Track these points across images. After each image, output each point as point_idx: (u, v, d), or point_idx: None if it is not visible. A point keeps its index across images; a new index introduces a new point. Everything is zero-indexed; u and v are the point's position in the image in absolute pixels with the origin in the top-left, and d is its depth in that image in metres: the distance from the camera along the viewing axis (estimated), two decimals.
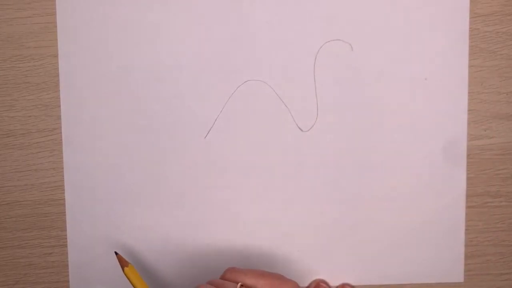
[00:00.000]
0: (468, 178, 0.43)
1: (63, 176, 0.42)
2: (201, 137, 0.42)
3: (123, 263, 0.40)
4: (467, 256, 0.43)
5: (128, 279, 0.39)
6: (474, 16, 0.42)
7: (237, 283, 0.36)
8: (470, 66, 0.42)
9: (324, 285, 0.43)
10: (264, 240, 0.43)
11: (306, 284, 0.43)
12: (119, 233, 0.43)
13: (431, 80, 0.42)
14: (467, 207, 0.43)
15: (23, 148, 0.42)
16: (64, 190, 0.43)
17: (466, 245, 0.43)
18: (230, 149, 0.42)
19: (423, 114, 0.42)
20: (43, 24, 0.41)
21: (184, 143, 0.42)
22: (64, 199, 0.43)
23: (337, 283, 0.43)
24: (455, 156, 0.42)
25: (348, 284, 0.43)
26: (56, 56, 0.42)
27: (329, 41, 0.42)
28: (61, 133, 0.42)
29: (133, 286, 0.39)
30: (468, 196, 0.43)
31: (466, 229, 0.43)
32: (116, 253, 0.40)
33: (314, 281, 0.43)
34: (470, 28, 0.42)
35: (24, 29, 0.41)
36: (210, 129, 0.42)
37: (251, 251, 0.43)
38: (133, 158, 0.42)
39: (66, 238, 0.43)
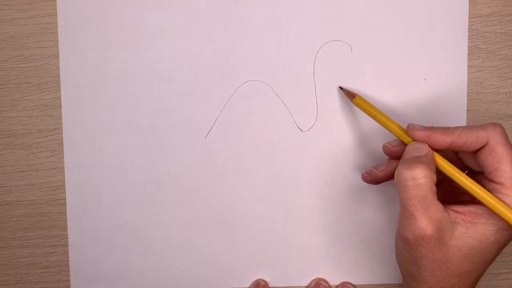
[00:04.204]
0: None
1: (64, 176, 0.43)
2: (201, 137, 0.42)
3: (350, 95, 0.40)
4: None
5: (360, 108, 0.40)
6: (473, 16, 0.42)
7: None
8: (469, 67, 0.42)
9: (324, 283, 0.43)
10: (264, 240, 0.43)
11: (306, 284, 0.44)
12: (119, 233, 0.43)
13: (430, 80, 0.42)
14: None
15: (24, 148, 0.42)
16: (65, 190, 0.43)
17: None
18: (230, 149, 0.42)
19: (422, 115, 0.42)
20: (44, 25, 0.42)
21: (184, 143, 0.42)
22: (65, 198, 0.43)
23: (337, 283, 0.43)
24: None
25: (348, 283, 0.43)
26: (57, 56, 0.42)
27: (328, 42, 0.42)
28: (62, 133, 0.42)
29: (366, 113, 0.39)
30: None
31: None
32: (340, 88, 0.41)
33: (314, 280, 0.43)
34: (469, 28, 0.42)
35: (25, 30, 0.42)
36: (210, 129, 0.42)
37: (251, 251, 0.43)
38: (134, 158, 0.42)
39: (67, 238, 0.43)
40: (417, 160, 0.34)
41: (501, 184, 0.34)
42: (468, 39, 0.42)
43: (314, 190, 0.43)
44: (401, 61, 0.42)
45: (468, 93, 0.42)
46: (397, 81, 0.42)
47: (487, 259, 0.35)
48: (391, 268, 0.44)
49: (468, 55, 0.42)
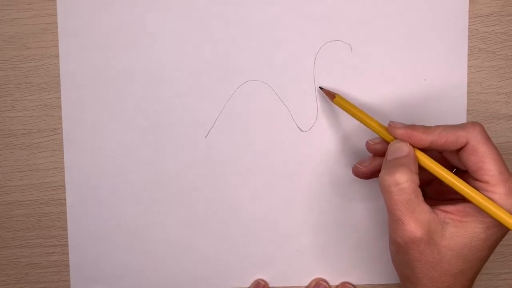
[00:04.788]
0: None
1: (64, 176, 0.43)
2: (201, 137, 0.42)
3: (330, 95, 0.40)
4: None
5: (340, 107, 0.39)
6: (473, 16, 0.42)
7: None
8: (469, 67, 0.42)
9: (324, 283, 0.43)
10: (264, 240, 0.43)
11: (306, 284, 0.44)
12: (119, 233, 0.43)
13: (430, 80, 0.42)
14: None
15: (24, 148, 0.42)
16: (65, 190, 0.43)
17: None
18: (230, 149, 0.42)
19: (422, 115, 0.42)
20: (44, 25, 0.42)
21: (184, 143, 0.42)
22: (65, 198, 0.43)
23: (337, 283, 0.43)
24: None
25: (348, 283, 0.43)
26: (57, 56, 0.42)
27: (328, 42, 0.42)
28: (62, 133, 0.42)
29: (347, 112, 0.39)
30: None
31: None
32: (321, 88, 0.41)
33: (314, 280, 0.43)
34: (469, 28, 0.42)
35: (25, 30, 0.42)
36: (210, 129, 0.42)
37: (251, 251, 0.43)
38: (134, 158, 0.42)
39: (67, 238, 0.43)
40: (398, 163, 0.34)
41: (486, 182, 0.34)
42: (468, 39, 0.42)
43: (314, 190, 0.43)
44: (401, 61, 0.42)
45: (468, 93, 0.42)
46: (397, 81, 0.42)
47: (480, 256, 0.35)
48: (391, 268, 0.43)
49: (468, 55, 0.42)
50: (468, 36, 0.42)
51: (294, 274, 0.43)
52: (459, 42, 0.42)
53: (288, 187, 0.43)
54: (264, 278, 0.43)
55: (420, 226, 0.33)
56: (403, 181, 0.33)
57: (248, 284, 0.44)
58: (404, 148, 0.35)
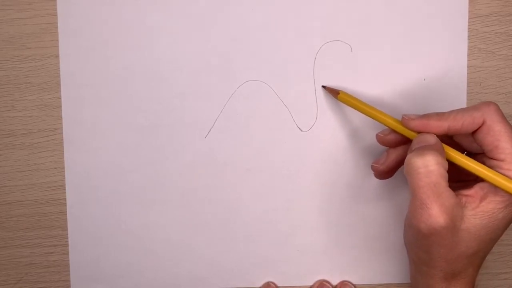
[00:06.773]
0: None
1: (64, 176, 0.43)
2: (201, 137, 0.42)
3: (334, 92, 0.40)
4: None
5: (345, 103, 0.39)
6: (473, 16, 0.42)
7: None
8: (469, 67, 0.42)
9: (327, 285, 0.43)
10: (264, 240, 0.43)
11: (306, 284, 0.44)
12: (119, 233, 0.43)
13: (429, 80, 0.42)
14: None
15: (24, 148, 0.42)
16: (65, 189, 0.43)
17: None
18: (230, 149, 0.42)
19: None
20: (44, 25, 0.42)
21: (184, 143, 0.42)
22: (65, 198, 0.43)
23: (337, 282, 0.43)
24: None
25: (348, 282, 0.43)
26: (57, 56, 0.42)
27: (328, 42, 0.42)
28: (62, 133, 0.42)
29: (353, 107, 0.39)
30: None
31: None
32: (323, 86, 0.41)
33: (318, 281, 0.43)
34: (469, 28, 0.42)
35: (25, 30, 0.42)
36: (210, 129, 0.42)
37: (251, 251, 0.43)
38: (134, 158, 0.42)
39: (67, 238, 0.43)
40: (427, 148, 0.34)
41: (502, 160, 0.34)
42: (468, 39, 0.42)
43: (314, 190, 0.43)
44: (401, 61, 0.42)
45: (468, 93, 0.42)
46: (397, 81, 0.42)
47: (495, 237, 0.35)
48: (391, 267, 0.44)
49: (468, 55, 0.42)
50: (468, 36, 0.42)
51: (294, 274, 0.43)
52: (459, 42, 0.42)
53: (288, 187, 0.43)
54: (264, 278, 0.43)
55: (445, 211, 0.33)
56: (433, 163, 0.33)
57: (248, 284, 0.43)
58: (432, 138, 0.35)
